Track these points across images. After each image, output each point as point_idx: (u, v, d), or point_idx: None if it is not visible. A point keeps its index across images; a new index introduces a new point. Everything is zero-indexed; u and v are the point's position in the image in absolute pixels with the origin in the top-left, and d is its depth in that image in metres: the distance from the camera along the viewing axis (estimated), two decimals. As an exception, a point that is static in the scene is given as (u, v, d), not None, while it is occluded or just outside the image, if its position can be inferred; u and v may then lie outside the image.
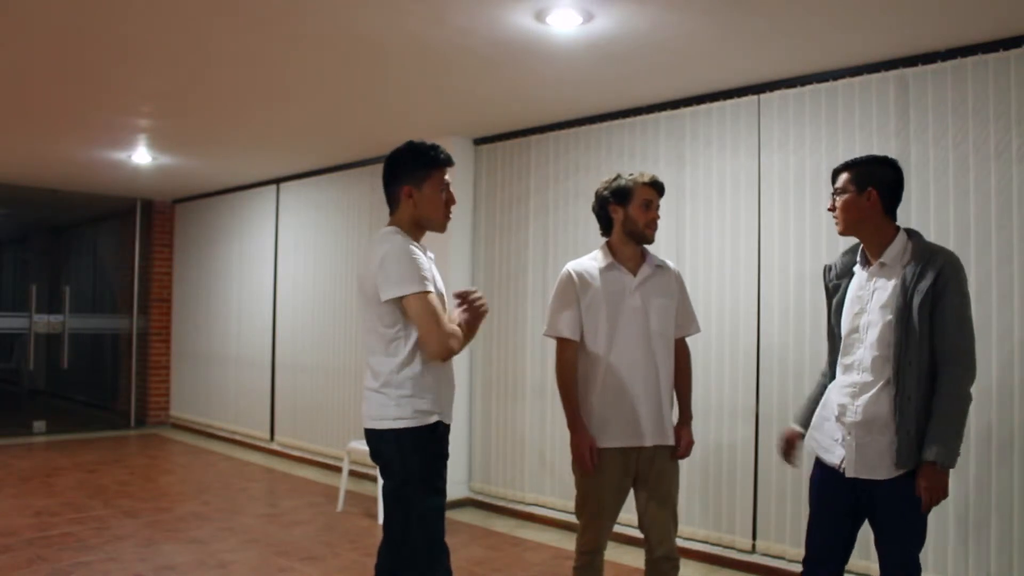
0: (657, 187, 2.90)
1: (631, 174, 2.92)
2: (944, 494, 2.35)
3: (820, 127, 3.94)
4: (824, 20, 3.28)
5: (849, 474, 2.50)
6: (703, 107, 4.37)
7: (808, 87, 3.97)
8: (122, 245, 9.19)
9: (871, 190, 2.51)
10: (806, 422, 2.74)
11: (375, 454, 2.53)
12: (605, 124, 4.83)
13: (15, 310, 9.37)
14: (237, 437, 7.90)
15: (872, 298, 2.51)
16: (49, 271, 10.15)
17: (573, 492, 2.93)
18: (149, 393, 8.91)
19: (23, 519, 4.95)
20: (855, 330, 2.54)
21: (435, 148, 2.55)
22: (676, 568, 2.90)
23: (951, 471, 2.36)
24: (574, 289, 2.86)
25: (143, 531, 4.76)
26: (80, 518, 5.02)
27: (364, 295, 2.51)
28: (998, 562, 3.34)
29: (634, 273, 2.89)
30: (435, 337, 2.39)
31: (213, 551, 4.40)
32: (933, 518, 3.49)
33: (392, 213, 2.59)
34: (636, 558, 3.04)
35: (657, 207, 2.90)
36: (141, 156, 6.37)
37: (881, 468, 2.43)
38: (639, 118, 4.66)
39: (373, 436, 2.51)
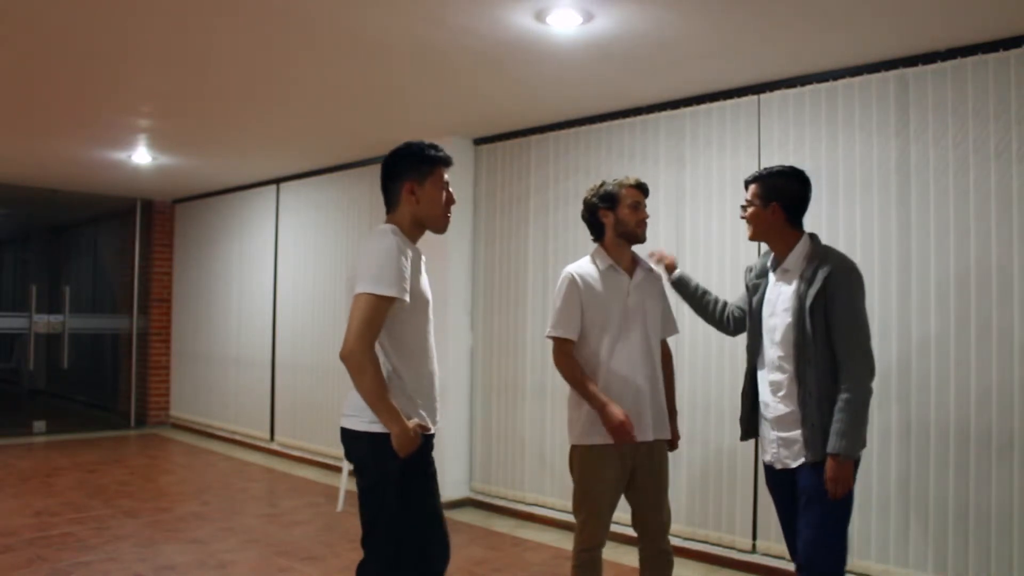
0: (642, 188, 2.98)
1: (615, 179, 2.99)
2: (847, 484, 2.51)
3: (820, 127, 3.94)
4: (824, 20, 3.28)
5: (777, 467, 2.72)
6: (703, 107, 4.37)
7: (808, 87, 3.97)
8: (122, 245, 9.20)
9: (774, 204, 2.70)
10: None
11: (348, 454, 2.47)
12: (605, 124, 4.83)
13: (15, 310, 9.37)
14: (237, 437, 7.90)
15: (778, 301, 2.72)
16: (49, 271, 10.14)
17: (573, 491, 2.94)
18: (149, 393, 8.91)
19: (23, 519, 4.95)
20: (768, 331, 2.76)
21: (436, 147, 2.52)
22: (671, 563, 2.93)
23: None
24: (577, 291, 2.90)
25: (143, 531, 4.76)
26: (80, 518, 5.02)
27: (350, 291, 2.42)
28: (998, 562, 3.34)
29: (630, 275, 2.96)
30: (351, 338, 2.29)
31: (213, 551, 4.40)
32: (934, 517, 3.50)
33: (390, 212, 2.53)
34: (636, 558, 3.04)
35: (645, 207, 2.98)
36: (141, 156, 6.37)
37: (795, 459, 2.64)
38: (639, 118, 4.66)
39: (346, 435, 2.44)
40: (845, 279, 2.57)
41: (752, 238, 2.80)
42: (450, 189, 2.56)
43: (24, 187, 7.95)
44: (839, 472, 2.50)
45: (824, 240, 3.85)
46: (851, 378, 2.52)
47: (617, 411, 2.75)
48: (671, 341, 3.21)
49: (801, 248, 2.70)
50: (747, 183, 2.81)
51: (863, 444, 2.54)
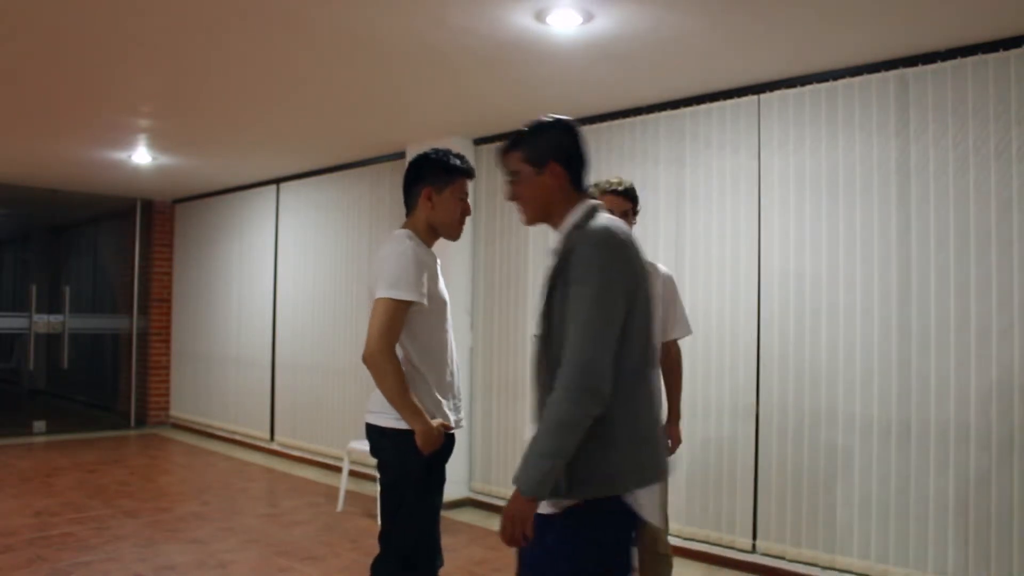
0: (621, 194, 2.91)
1: (596, 184, 2.93)
2: (516, 524, 1.78)
3: (820, 127, 3.94)
4: (824, 20, 3.28)
5: None
6: (703, 107, 4.37)
7: (808, 87, 3.97)
8: (122, 245, 9.19)
9: (552, 164, 1.97)
10: None
11: (373, 449, 2.57)
12: (605, 124, 4.83)
13: (15, 310, 9.37)
14: (237, 437, 7.90)
15: None
16: (49, 271, 10.14)
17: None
18: (149, 393, 8.91)
19: (23, 519, 4.95)
20: None
21: (461, 158, 2.61)
22: (670, 563, 2.92)
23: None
24: None
25: (143, 531, 4.76)
26: (80, 518, 5.02)
27: (372, 295, 2.55)
28: (998, 562, 3.34)
29: None
30: (372, 341, 2.39)
31: (213, 551, 4.40)
32: (934, 517, 3.50)
33: (408, 214, 2.64)
34: (635, 559, 3.03)
35: (622, 215, 2.86)
36: (141, 156, 6.37)
37: None
38: (639, 118, 4.66)
39: (373, 432, 2.54)
40: (587, 258, 1.82)
41: (532, 222, 2.03)
42: (468, 201, 2.64)
43: (24, 187, 7.95)
44: (512, 508, 1.78)
45: (824, 240, 3.91)
46: (556, 389, 1.77)
47: None
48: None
49: (570, 218, 1.95)
50: (503, 155, 2.04)
51: (549, 483, 1.76)
